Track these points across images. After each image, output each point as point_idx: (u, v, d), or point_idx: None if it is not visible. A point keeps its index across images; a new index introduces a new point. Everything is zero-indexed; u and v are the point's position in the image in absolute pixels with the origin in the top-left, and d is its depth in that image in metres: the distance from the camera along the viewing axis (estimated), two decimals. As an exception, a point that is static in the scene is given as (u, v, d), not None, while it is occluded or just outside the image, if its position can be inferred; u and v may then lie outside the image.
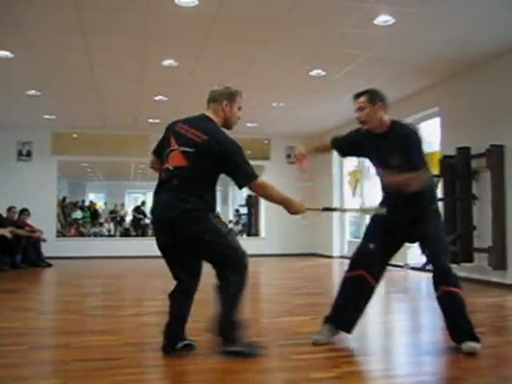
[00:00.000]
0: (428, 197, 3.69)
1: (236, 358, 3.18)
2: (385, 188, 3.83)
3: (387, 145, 3.60)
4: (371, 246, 3.74)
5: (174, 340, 3.33)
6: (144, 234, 16.60)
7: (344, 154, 4.17)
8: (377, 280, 3.76)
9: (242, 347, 3.25)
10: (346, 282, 3.79)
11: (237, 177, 3.35)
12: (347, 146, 3.95)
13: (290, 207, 3.48)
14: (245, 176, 3.32)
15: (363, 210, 3.91)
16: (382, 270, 3.81)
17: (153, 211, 3.41)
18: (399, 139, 3.56)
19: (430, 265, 3.70)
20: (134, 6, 5.63)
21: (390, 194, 3.75)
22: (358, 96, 3.66)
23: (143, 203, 19.35)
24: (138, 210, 18.43)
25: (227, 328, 3.25)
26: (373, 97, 3.61)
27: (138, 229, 17.69)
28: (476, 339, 3.43)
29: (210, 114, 3.52)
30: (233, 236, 3.49)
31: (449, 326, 3.60)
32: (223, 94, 3.51)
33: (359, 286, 3.72)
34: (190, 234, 3.25)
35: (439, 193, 7.96)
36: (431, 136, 9.09)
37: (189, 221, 3.23)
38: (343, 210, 3.91)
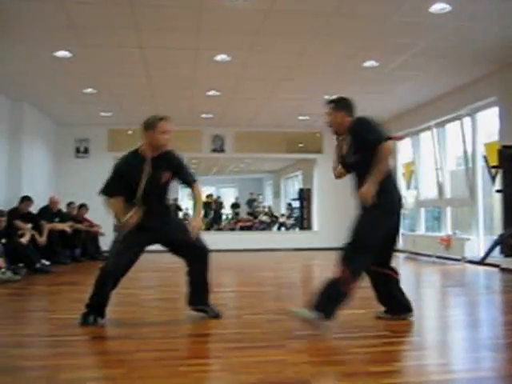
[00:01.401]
0: (383, 187, 3.83)
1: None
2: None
3: (347, 143, 4.05)
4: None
5: None
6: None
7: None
8: (387, 267, 4.16)
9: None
10: (369, 278, 4.16)
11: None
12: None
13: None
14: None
15: None
16: (386, 260, 4.19)
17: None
18: (350, 132, 4.00)
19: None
20: (187, 2, 5.70)
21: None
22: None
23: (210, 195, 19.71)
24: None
25: None
26: (337, 105, 4.13)
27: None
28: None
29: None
30: None
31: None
32: (143, 126, 4.12)
33: (376, 279, 4.17)
34: None
35: (498, 184, 7.76)
36: (490, 126, 8.85)
37: None
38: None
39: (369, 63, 7.75)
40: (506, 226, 7.43)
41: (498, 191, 7.80)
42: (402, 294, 4.21)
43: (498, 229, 8.06)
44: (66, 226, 9.55)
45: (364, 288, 6.25)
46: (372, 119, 3.93)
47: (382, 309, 4.27)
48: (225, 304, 5.25)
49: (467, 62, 7.79)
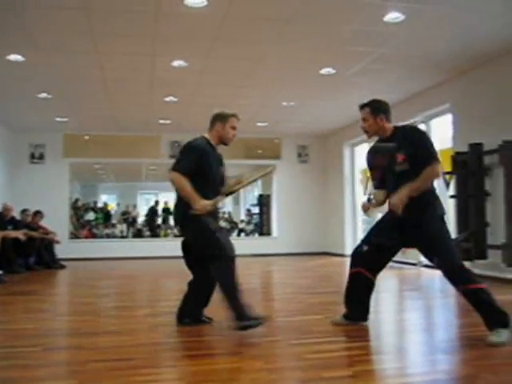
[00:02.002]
0: (426, 201, 3.79)
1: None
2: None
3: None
4: (365, 248, 4.09)
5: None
6: (156, 235, 16.74)
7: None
8: (374, 275, 4.13)
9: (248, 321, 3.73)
10: (349, 279, 4.18)
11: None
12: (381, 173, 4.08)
13: (195, 203, 3.89)
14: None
15: (255, 177, 4.26)
16: (379, 268, 4.17)
17: None
18: (402, 140, 3.83)
19: (440, 268, 3.83)
20: (144, 8, 5.65)
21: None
22: (361, 107, 4.13)
23: (157, 203, 19.49)
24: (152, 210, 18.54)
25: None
26: (374, 109, 4.03)
27: (152, 229, 17.75)
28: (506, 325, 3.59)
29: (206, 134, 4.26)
30: None
31: (482, 317, 3.73)
32: (215, 117, 4.28)
33: (358, 280, 4.11)
34: None
35: (452, 190, 7.93)
36: (443, 132, 9.04)
37: None
38: (243, 186, 4.25)
39: (326, 70, 7.83)
40: (460, 231, 7.60)
41: (451, 197, 7.97)
42: (370, 301, 4.23)
43: (453, 233, 8.23)
44: (19, 234, 9.30)
45: (321, 294, 6.29)
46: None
47: (338, 316, 4.27)
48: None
49: (422, 70, 7.95)
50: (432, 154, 3.73)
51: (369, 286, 4.15)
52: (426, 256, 3.93)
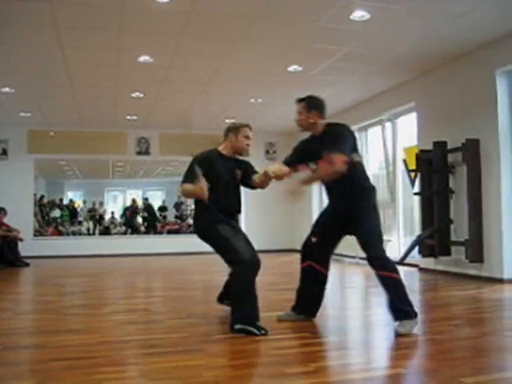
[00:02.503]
0: (359, 193, 4.04)
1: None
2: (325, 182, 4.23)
3: (322, 145, 3.96)
4: (313, 239, 4.24)
5: None
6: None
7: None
8: (325, 267, 4.28)
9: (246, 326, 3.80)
10: (301, 273, 4.33)
11: None
12: (299, 159, 4.29)
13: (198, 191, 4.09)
14: None
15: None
16: (327, 258, 4.32)
17: None
18: (329, 137, 3.99)
19: (367, 253, 4.00)
20: (109, 1, 5.57)
21: (329, 189, 4.24)
22: (298, 101, 4.34)
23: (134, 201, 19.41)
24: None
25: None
26: (309, 104, 4.23)
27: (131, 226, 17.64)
28: (410, 317, 3.86)
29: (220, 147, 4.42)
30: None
31: (390, 306, 3.95)
32: (228, 128, 4.40)
33: (310, 274, 4.25)
34: None
35: (417, 187, 8.05)
36: (409, 131, 9.16)
37: None
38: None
39: (293, 67, 7.85)
40: (424, 228, 7.71)
41: (416, 194, 8.09)
42: (323, 296, 4.29)
43: (417, 230, 8.35)
44: (-19, 232, 9.13)
45: (285, 290, 6.32)
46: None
47: (283, 312, 4.39)
48: (148, 309, 5.19)
49: (388, 69, 8.03)
50: (339, 150, 3.83)
51: (321, 280, 4.26)
52: (360, 243, 4.06)
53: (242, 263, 3.95)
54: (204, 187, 4.00)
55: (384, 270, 3.89)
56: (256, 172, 4.45)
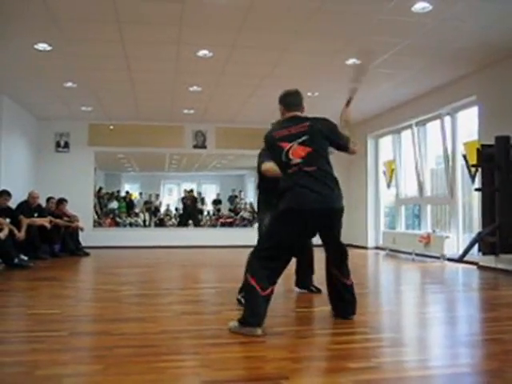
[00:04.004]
0: None
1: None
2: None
3: None
4: None
5: None
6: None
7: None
8: None
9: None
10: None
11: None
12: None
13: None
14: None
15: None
16: None
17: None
18: None
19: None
20: (169, -3, 5.66)
21: None
22: None
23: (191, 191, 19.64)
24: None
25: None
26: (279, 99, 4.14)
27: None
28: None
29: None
30: None
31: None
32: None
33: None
34: None
35: (477, 183, 7.84)
36: (469, 125, 8.93)
37: None
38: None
39: (352, 61, 7.77)
40: (485, 225, 7.51)
41: (476, 190, 7.88)
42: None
43: (477, 227, 8.15)
44: (44, 221, 9.45)
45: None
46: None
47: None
48: (205, 300, 5.25)
49: (448, 62, 7.84)
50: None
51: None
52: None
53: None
54: None
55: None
56: None
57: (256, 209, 5.10)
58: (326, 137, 3.88)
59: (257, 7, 5.87)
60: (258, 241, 4.36)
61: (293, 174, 3.82)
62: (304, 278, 5.58)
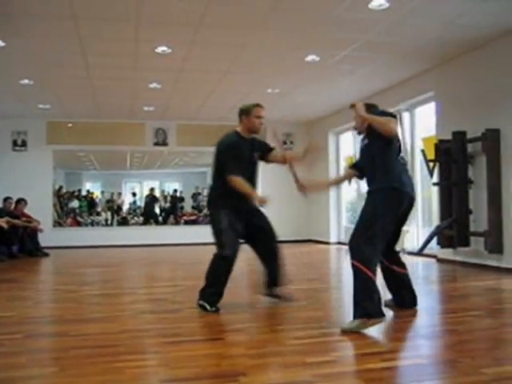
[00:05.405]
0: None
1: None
2: None
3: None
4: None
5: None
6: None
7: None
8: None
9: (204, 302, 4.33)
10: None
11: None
12: None
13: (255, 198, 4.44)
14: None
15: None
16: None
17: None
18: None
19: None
20: (127, -8, 5.58)
21: None
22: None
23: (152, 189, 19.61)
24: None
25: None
26: None
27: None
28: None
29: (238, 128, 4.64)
30: None
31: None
32: (240, 112, 4.60)
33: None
34: None
35: (435, 177, 7.98)
36: (427, 121, 9.08)
37: None
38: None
39: (310, 57, 7.80)
40: (443, 218, 7.66)
41: (434, 184, 8.02)
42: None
43: (436, 221, 8.30)
44: (1, 222, 9.24)
45: (305, 281, 6.31)
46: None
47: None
48: (166, 299, 5.21)
49: (406, 58, 7.95)
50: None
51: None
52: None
53: (223, 257, 4.40)
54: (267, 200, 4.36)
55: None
56: (272, 148, 4.83)
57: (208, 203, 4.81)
58: None
59: (215, 3, 5.84)
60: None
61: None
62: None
